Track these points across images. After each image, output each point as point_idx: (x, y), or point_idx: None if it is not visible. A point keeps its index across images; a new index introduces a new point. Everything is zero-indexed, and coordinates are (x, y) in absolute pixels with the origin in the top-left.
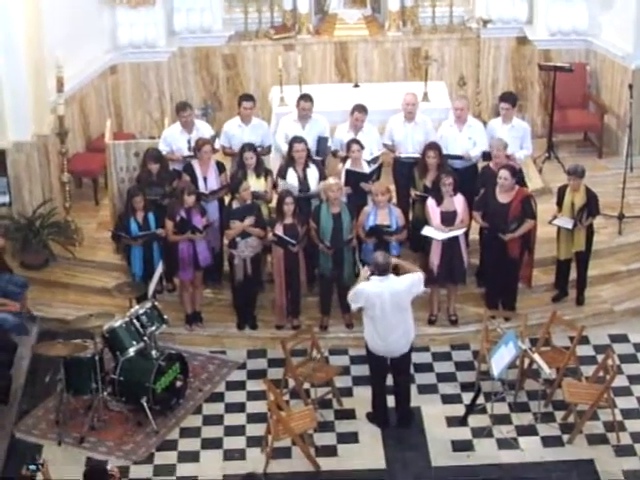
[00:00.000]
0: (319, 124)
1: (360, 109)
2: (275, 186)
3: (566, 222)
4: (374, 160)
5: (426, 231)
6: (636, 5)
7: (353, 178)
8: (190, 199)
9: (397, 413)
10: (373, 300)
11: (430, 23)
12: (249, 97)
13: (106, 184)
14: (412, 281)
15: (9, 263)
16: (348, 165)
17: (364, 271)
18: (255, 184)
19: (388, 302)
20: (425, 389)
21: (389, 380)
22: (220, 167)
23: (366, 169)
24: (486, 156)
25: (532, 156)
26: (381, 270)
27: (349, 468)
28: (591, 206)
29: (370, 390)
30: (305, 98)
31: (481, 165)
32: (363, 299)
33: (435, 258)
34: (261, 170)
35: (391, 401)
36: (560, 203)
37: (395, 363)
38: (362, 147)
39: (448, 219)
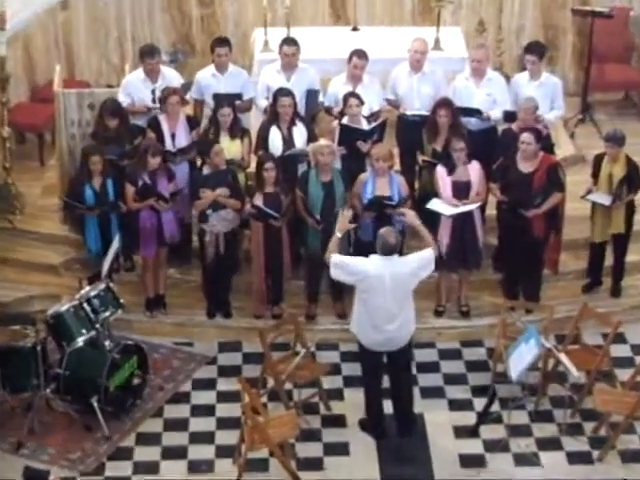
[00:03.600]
0: (307, 75)
1: (359, 54)
2: (257, 150)
3: (603, 198)
4: (374, 115)
5: (433, 205)
6: None
7: (349, 135)
8: (155, 161)
9: (396, 420)
10: (371, 282)
11: None
12: (223, 41)
13: (54, 141)
14: (420, 262)
15: None
16: (344, 120)
17: (344, 215)
18: (229, 147)
19: (389, 286)
20: (429, 393)
21: (386, 381)
22: (192, 122)
23: (365, 127)
24: (508, 117)
25: (563, 118)
26: (387, 251)
27: None
28: (632, 179)
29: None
30: (288, 42)
31: (502, 128)
32: (358, 277)
33: (444, 237)
34: (237, 130)
35: (389, 406)
36: (596, 175)
37: (393, 359)
38: (361, 102)
39: (461, 191)
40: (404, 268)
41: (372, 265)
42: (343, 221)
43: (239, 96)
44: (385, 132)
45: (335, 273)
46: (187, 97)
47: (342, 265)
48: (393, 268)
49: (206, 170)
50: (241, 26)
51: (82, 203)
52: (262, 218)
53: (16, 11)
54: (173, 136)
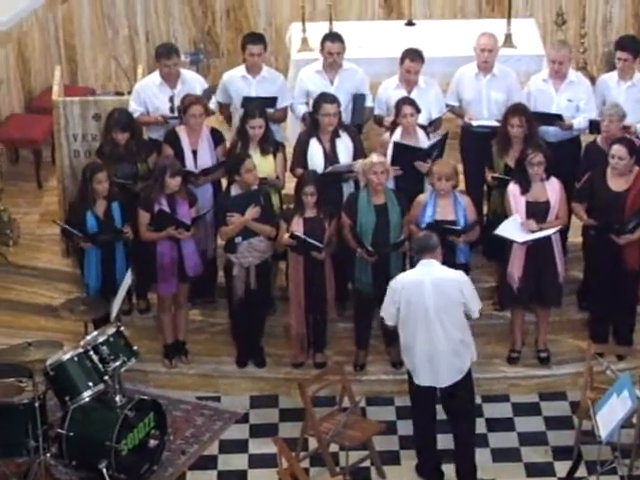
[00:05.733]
0: (354, 77)
1: (413, 56)
2: (293, 168)
3: None
4: (433, 124)
5: (503, 230)
6: None
7: (404, 155)
8: (174, 182)
9: None
10: (409, 292)
11: None
12: (257, 38)
13: (53, 159)
14: (459, 277)
15: None
16: (397, 136)
17: None
18: (260, 164)
19: (431, 296)
20: (502, 455)
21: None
22: (217, 137)
23: (423, 142)
24: (595, 128)
25: None
26: (422, 249)
27: None
28: None
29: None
30: (331, 38)
31: (587, 140)
32: (398, 294)
33: (516, 269)
34: (269, 145)
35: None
36: None
37: (447, 396)
38: (417, 110)
39: (537, 213)
40: (447, 274)
41: (408, 274)
42: None
43: (273, 100)
44: (445, 146)
45: (386, 315)
46: (210, 105)
47: (385, 304)
48: (434, 274)
49: (234, 190)
50: (274, 21)
51: (84, 232)
52: (302, 249)
53: (8, 5)
54: (195, 153)
